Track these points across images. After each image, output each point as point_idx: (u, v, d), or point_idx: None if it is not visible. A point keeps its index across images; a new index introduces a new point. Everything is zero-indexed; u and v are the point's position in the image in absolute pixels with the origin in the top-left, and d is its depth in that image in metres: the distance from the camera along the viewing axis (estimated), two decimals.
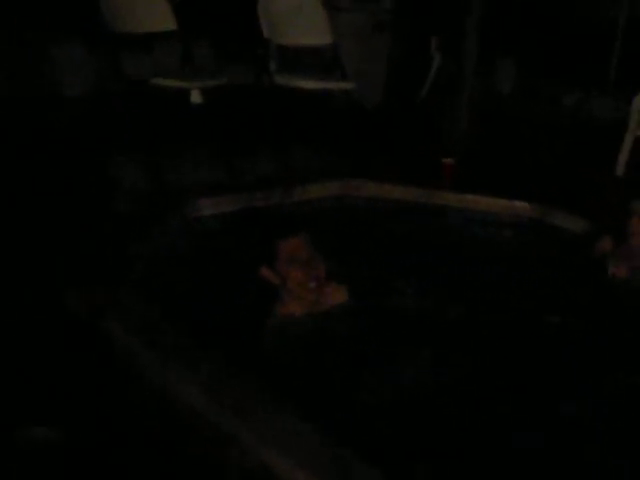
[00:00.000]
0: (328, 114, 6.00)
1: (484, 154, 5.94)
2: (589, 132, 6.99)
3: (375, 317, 3.35)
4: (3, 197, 4.08)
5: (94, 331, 2.93)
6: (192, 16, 5.89)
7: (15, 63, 6.14)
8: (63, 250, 3.58)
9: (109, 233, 3.86)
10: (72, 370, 2.76)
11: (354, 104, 5.99)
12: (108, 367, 2.76)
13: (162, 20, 5.50)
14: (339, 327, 3.24)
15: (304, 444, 2.24)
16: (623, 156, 5.82)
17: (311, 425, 2.31)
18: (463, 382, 2.94)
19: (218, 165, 4.95)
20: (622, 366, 3.19)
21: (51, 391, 2.63)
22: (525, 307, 3.65)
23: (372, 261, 4.02)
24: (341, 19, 6.87)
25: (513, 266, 4.30)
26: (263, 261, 3.27)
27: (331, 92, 5.99)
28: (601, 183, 5.49)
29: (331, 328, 3.23)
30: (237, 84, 5.70)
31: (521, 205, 4.97)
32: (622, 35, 8.07)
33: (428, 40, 8.44)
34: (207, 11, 6.49)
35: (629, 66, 7.74)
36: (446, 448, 2.55)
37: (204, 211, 4.48)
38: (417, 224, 4.86)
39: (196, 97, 5.46)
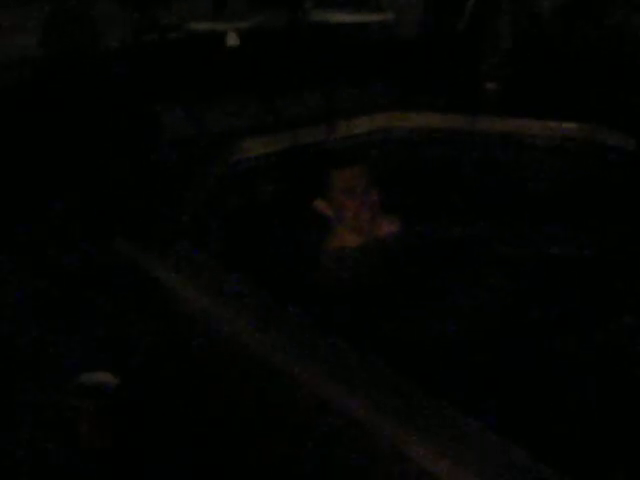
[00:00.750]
0: (367, 47, 5.90)
1: (527, 77, 5.81)
2: (635, 49, 6.80)
3: (428, 247, 3.32)
4: (52, 148, 4.11)
5: (151, 280, 2.92)
6: None
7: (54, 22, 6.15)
8: (111, 200, 3.59)
9: (156, 182, 3.86)
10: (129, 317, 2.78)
11: (392, 35, 5.89)
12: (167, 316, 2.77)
13: None
14: (395, 258, 3.21)
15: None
16: None
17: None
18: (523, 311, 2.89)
19: (260, 107, 4.89)
20: None
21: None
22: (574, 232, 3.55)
23: (420, 192, 3.96)
24: None
25: (565, 189, 4.24)
26: (316, 194, 3.22)
27: (368, 24, 5.90)
28: None
29: (387, 259, 3.20)
30: (273, 24, 5.65)
31: (571, 126, 4.85)
32: None
33: None
34: None
35: None
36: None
37: (250, 152, 4.43)
38: (464, 152, 4.79)
39: (232, 39, 5.41)
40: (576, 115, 4.92)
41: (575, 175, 4.55)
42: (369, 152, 4.63)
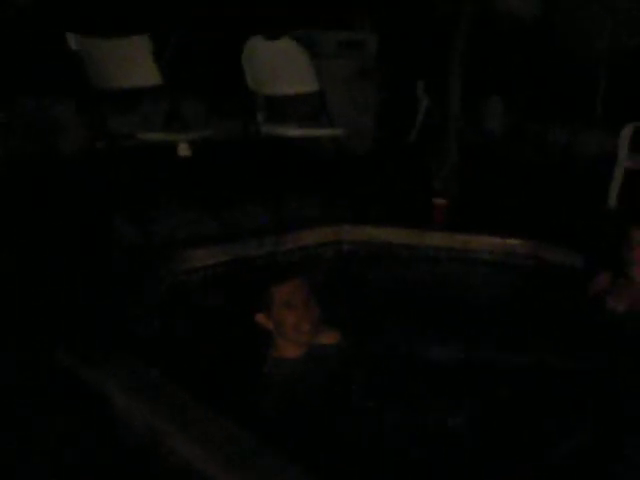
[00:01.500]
0: (317, 161, 6.01)
1: (475, 193, 5.95)
2: (578, 167, 7.02)
3: (368, 360, 3.32)
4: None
5: (86, 389, 2.89)
6: (179, 70, 5.95)
7: (12, 126, 6.20)
8: (57, 307, 3.56)
9: (103, 290, 3.84)
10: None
11: (343, 150, 6.00)
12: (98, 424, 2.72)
13: (148, 75, 5.55)
14: (333, 370, 3.21)
15: None
16: (614, 188, 5.84)
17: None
18: (462, 424, 2.90)
19: (208, 217, 4.93)
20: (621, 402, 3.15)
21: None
22: (520, 346, 3.60)
23: (365, 305, 4.00)
24: (326, 66, 6.92)
25: (508, 304, 4.29)
26: (258, 308, 3.25)
27: (319, 139, 6.02)
28: (594, 217, 5.49)
29: (325, 371, 3.20)
30: (224, 136, 5.73)
31: (515, 242, 4.95)
32: (606, 69, 8.13)
33: (414, 83, 8.51)
34: (194, 65, 6.56)
35: (615, 99, 7.79)
36: None
37: (195, 263, 4.45)
38: (410, 266, 4.86)
39: (184, 150, 5.47)
40: (522, 231, 5.02)
41: (518, 290, 4.61)
42: (316, 264, 4.67)
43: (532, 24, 8.89)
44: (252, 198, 5.25)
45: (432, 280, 4.77)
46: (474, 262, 4.92)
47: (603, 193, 5.86)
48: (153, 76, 5.50)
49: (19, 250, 4.24)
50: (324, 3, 7.88)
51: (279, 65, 5.83)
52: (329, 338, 3.30)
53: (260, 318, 3.24)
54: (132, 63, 5.45)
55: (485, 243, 4.99)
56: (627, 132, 5.91)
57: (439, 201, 5.22)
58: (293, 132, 5.58)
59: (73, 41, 5.16)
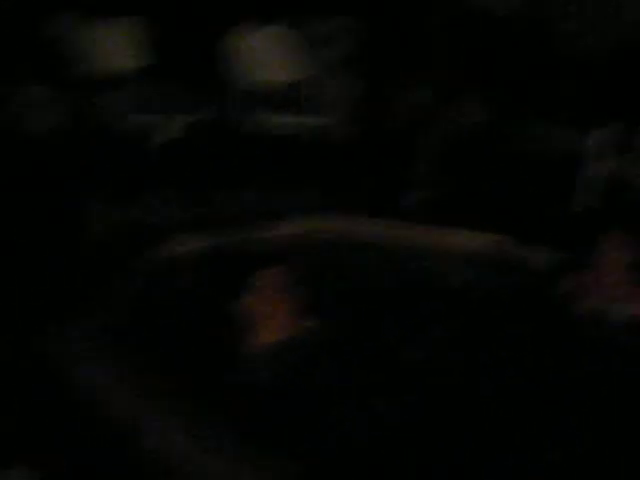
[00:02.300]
0: (300, 150, 6.05)
1: (452, 188, 6.01)
2: (554, 166, 7.09)
3: (343, 347, 3.41)
4: None
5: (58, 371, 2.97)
6: (165, 55, 5.96)
7: None
8: (31, 291, 3.60)
9: (78, 272, 3.88)
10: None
11: (325, 138, 6.05)
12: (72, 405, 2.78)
13: (131, 59, 5.56)
14: (311, 356, 3.30)
15: None
16: (588, 189, 5.91)
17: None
18: (428, 416, 2.99)
19: (190, 202, 4.97)
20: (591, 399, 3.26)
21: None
22: (492, 343, 3.70)
23: (340, 295, 4.07)
24: (310, 55, 6.95)
25: (480, 298, 4.37)
26: (238, 294, 3.32)
27: (300, 128, 6.06)
28: (567, 217, 5.58)
29: (304, 357, 3.29)
30: (206, 122, 5.76)
31: (487, 238, 5.03)
32: (577, 71, 8.19)
33: (397, 74, 8.53)
34: (180, 50, 6.55)
35: (590, 100, 7.87)
36: None
37: (178, 249, 4.51)
38: (384, 260, 4.93)
39: (169, 134, 5.50)
40: (495, 229, 5.11)
41: (485, 285, 4.70)
42: (294, 254, 4.72)
43: (510, 18, 8.93)
44: (232, 185, 5.29)
45: (406, 273, 4.84)
46: (446, 257, 5.00)
47: (577, 193, 5.94)
48: (137, 60, 5.51)
49: None
50: None
51: (265, 52, 5.87)
52: (307, 324, 3.38)
53: (241, 302, 3.32)
54: (117, 47, 5.47)
55: (457, 239, 5.07)
56: (600, 131, 5.97)
57: (417, 195, 5.29)
58: (274, 120, 5.62)
59: (59, 24, 5.16)
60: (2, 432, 2.66)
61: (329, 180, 5.67)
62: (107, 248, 4.27)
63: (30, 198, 4.66)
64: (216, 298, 3.60)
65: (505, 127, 7.97)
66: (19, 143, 5.79)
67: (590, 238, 4.16)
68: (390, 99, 8.20)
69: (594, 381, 3.40)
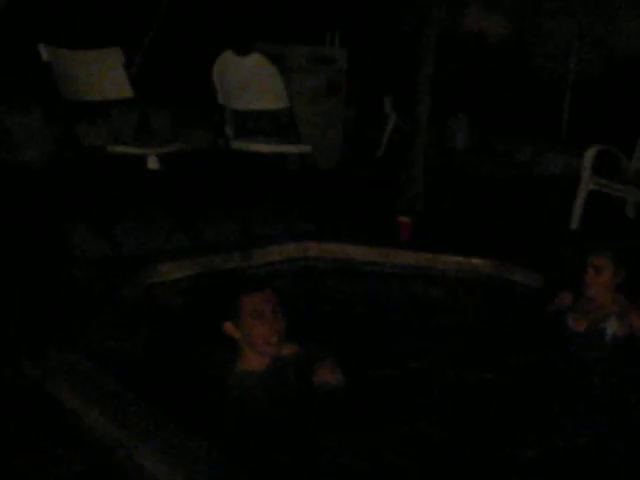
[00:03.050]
0: (284, 177, 6.06)
1: (440, 211, 6.02)
2: (542, 187, 7.12)
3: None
4: None
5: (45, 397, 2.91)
6: (149, 83, 5.97)
7: None
8: (17, 319, 3.57)
9: (65, 301, 3.85)
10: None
11: (310, 165, 6.07)
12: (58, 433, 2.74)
13: (119, 88, 5.57)
14: (296, 381, 3.25)
15: None
16: (577, 210, 5.93)
17: None
18: (428, 449, 2.95)
19: (177, 230, 4.96)
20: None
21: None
22: (483, 365, 3.67)
23: (328, 322, 4.04)
24: (295, 81, 6.98)
25: (471, 323, 4.35)
26: (225, 317, 3.28)
27: (287, 155, 6.08)
28: (556, 238, 5.58)
29: (289, 383, 3.24)
30: (194, 149, 5.76)
31: (478, 262, 5.03)
32: (571, 91, 8.26)
33: (382, 100, 8.59)
34: (163, 79, 6.57)
35: (579, 121, 7.92)
36: None
37: (163, 277, 4.48)
38: (375, 284, 4.92)
39: (153, 163, 5.49)
40: (484, 250, 5.10)
41: (481, 308, 4.69)
42: (282, 279, 4.71)
43: (499, 43, 9.02)
44: (221, 212, 5.28)
45: (396, 298, 4.83)
46: (438, 280, 4.99)
47: (566, 214, 5.95)
48: (124, 89, 5.52)
49: None
50: (294, 18, 7.95)
51: (249, 80, 5.89)
52: (289, 349, 3.33)
53: (228, 327, 3.26)
54: (103, 75, 5.47)
55: (448, 262, 5.06)
56: (590, 154, 6.00)
57: (404, 219, 5.29)
58: (262, 147, 5.64)
59: (44, 52, 5.17)
60: None
61: (317, 206, 5.65)
62: (91, 276, 4.22)
63: (20, 226, 4.63)
64: (201, 324, 3.56)
65: (494, 149, 8.03)
66: (16, 171, 5.80)
67: (582, 257, 4.15)
68: (377, 123, 8.27)
69: (595, 396, 3.41)
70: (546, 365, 3.75)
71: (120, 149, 5.21)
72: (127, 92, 5.58)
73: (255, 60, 6.03)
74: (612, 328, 3.94)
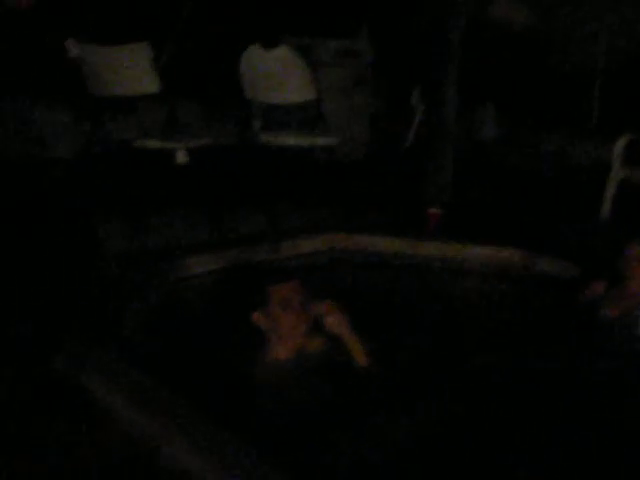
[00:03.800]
0: (313, 169, 6.05)
1: (468, 202, 5.99)
2: (572, 178, 7.06)
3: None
4: None
5: (81, 393, 2.93)
6: (176, 77, 5.98)
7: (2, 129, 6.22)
8: (50, 315, 3.59)
9: (96, 296, 3.87)
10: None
11: (338, 158, 6.06)
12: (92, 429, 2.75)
13: (147, 84, 5.59)
14: (326, 373, 3.25)
15: None
16: (607, 200, 5.88)
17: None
18: (457, 432, 2.94)
19: (205, 224, 4.97)
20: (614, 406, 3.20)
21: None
22: (515, 355, 3.65)
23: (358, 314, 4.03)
24: (322, 74, 6.96)
25: (503, 314, 4.33)
26: (254, 308, 3.29)
27: (315, 147, 6.07)
28: (587, 228, 5.53)
29: (318, 374, 3.24)
30: (222, 143, 5.77)
31: (509, 252, 4.99)
32: (601, 79, 8.18)
33: (409, 91, 8.56)
34: (191, 72, 6.59)
35: (610, 110, 7.84)
36: None
37: (192, 270, 4.49)
38: (405, 276, 4.90)
39: (181, 157, 5.51)
40: (514, 241, 5.07)
41: (511, 300, 4.65)
42: (310, 272, 4.71)
43: (526, 32, 8.95)
44: (249, 205, 5.29)
45: (424, 289, 4.82)
46: (467, 272, 4.96)
47: (597, 204, 5.90)
48: (152, 84, 5.53)
49: (5, 257, 4.27)
50: (322, 12, 7.93)
51: (276, 74, 5.86)
52: (317, 344, 3.33)
53: (256, 317, 3.29)
54: (131, 71, 5.48)
55: (478, 253, 5.03)
56: (621, 143, 5.94)
57: (433, 210, 5.27)
58: (289, 141, 5.63)
59: (73, 47, 5.19)
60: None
61: (344, 198, 5.64)
62: (121, 271, 4.25)
63: (50, 221, 4.66)
64: (230, 316, 3.57)
65: (521, 140, 7.97)
66: (43, 167, 5.84)
67: (615, 247, 4.12)
68: (405, 115, 8.23)
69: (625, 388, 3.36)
70: (578, 357, 3.72)
71: (148, 144, 5.23)
72: (155, 87, 5.58)
73: (282, 53, 6.00)
74: None
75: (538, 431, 2.97)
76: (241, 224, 5.08)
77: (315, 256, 5.00)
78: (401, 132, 8.43)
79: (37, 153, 6.33)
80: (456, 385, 3.33)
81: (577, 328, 4.06)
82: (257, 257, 4.72)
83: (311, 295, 3.29)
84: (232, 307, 3.77)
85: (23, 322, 3.52)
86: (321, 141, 5.86)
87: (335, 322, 3.23)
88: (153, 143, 5.29)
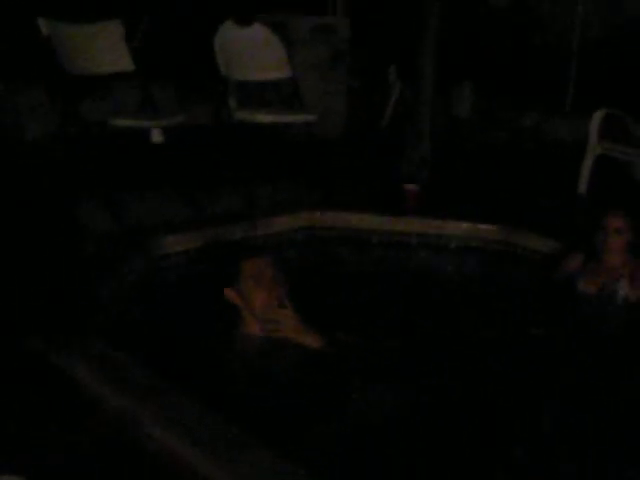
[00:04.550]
0: (289, 146, 6.02)
1: (446, 178, 5.98)
2: (548, 153, 7.07)
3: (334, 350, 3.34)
4: None
5: (57, 373, 2.91)
6: (150, 56, 5.92)
7: None
8: (27, 294, 3.56)
9: (74, 275, 3.84)
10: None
11: (315, 135, 6.02)
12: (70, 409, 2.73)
13: (119, 61, 5.53)
14: (297, 350, 3.23)
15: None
16: (584, 175, 5.89)
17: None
18: (433, 404, 2.93)
19: (182, 203, 4.94)
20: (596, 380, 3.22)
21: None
22: (495, 329, 3.65)
23: (335, 292, 4.02)
24: (299, 51, 6.92)
25: (482, 289, 4.34)
26: (227, 284, 3.27)
27: (292, 125, 6.03)
28: (564, 203, 5.55)
29: (289, 351, 3.22)
30: (198, 122, 5.73)
31: (486, 227, 4.99)
32: (577, 56, 8.17)
33: (386, 68, 8.52)
34: (165, 51, 6.52)
35: (585, 87, 7.84)
36: None
37: (169, 249, 4.46)
38: (383, 252, 4.90)
39: (157, 136, 5.47)
40: (491, 217, 5.07)
41: (490, 275, 4.67)
42: (288, 249, 4.71)
43: (504, 8, 8.93)
44: (225, 183, 5.26)
45: (403, 266, 4.82)
46: (445, 248, 4.96)
47: (573, 179, 5.91)
48: (125, 62, 5.49)
49: None
50: None
51: (251, 51, 5.83)
52: (312, 340, 3.28)
53: (228, 293, 3.27)
54: (104, 49, 5.43)
55: (456, 228, 5.03)
56: (597, 117, 5.95)
57: (410, 187, 5.25)
58: (266, 118, 5.60)
59: (44, 26, 5.13)
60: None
61: (322, 175, 5.62)
62: (99, 250, 4.21)
63: (27, 203, 4.62)
64: (205, 294, 3.55)
65: (499, 115, 7.97)
66: (18, 149, 5.78)
67: (592, 221, 4.13)
68: (382, 92, 8.20)
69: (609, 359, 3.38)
70: (556, 332, 3.72)
71: (123, 122, 5.18)
72: (128, 65, 5.54)
73: (257, 30, 5.97)
74: (624, 290, 3.92)
75: (524, 408, 2.98)
76: (218, 203, 5.05)
77: (293, 233, 4.98)
78: (379, 109, 8.39)
79: (11, 136, 6.25)
80: (436, 362, 3.31)
81: (556, 304, 4.07)
82: (234, 235, 4.69)
83: (283, 271, 3.27)
84: (208, 285, 3.74)
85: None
86: (297, 118, 5.83)
87: (290, 330, 3.22)
88: (128, 122, 5.23)
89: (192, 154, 5.54)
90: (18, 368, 2.99)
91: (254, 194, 5.20)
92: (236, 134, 5.60)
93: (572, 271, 4.15)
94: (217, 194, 5.09)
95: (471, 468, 2.59)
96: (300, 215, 5.08)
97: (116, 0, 6.34)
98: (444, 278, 4.72)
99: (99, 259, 4.15)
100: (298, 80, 6.02)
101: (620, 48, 7.59)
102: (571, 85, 8.21)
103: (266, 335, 3.23)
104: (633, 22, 7.72)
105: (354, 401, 2.94)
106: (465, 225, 5.04)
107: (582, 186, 5.89)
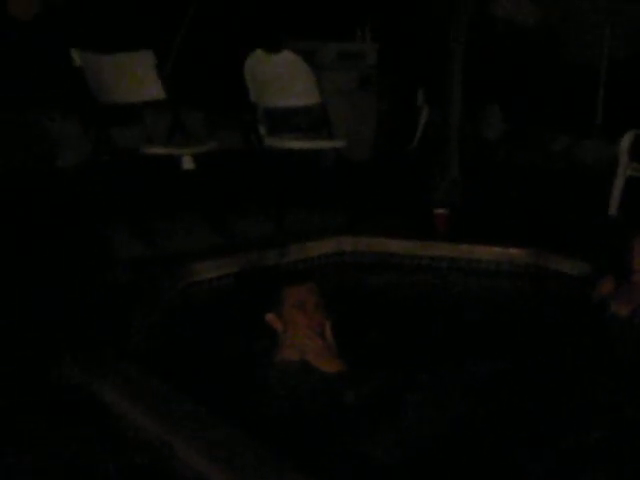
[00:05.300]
0: (319, 172, 6.05)
1: (476, 202, 5.98)
2: (579, 175, 7.05)
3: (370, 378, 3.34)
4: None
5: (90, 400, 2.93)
6: (181, 84, 5.99)
7: (10, 140, 6.25)
8: (61, 322, 3.59)
9: (107, 303, 3.88)
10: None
11: (343, 160, 6.05)
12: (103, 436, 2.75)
13: (151, 90, 5.59)
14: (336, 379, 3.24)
15: None
16: (615, 197, 5.86)
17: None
18: (467, 435, 2.92)
19: (213, 230, 4.98)
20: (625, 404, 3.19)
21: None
22: (526, 354, 3.63)
23: (369, 318, 4.02)
24: (326, 77, 6.97)
25: (513, 313, 4.31)
26: (267, 309, 3.30)
27: (320, 150, 6.06)
28: (595, 225, 5.52)
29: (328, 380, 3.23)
30: (228, 148, 5.77)
31: (517, 251, 4.98)
32: (605, 78, 8.16)
33: (414, 93, 8.56)
34: (196, 78, 6.60)
35: (614, 109, 7.82)
36: None
37: (199, 275, 4.49)
38: (414, 277, 4.89)
39: (188, 163, 5.52)
40: (522, 240, 5.05)
41: (521, 299, 4.64)
42: (319, 274, 4.71)
43: (530, 31, 8.94)
44: (256, 210, 5.29)
45: (435, 290, 4.80)
46: (477, 272, 4.95)
47: (604, 201, 5.89)
48: (156, 90, 5.54)
49: (15, 264, 4.29)
50: (324, 14, 7.94)
51: (280, 78, 5.87)
52: (332, 366, 3.28)
53: (270, 318, 3.29)
54: (136, 78, 5.49)
55: (487, 253, 5.02)
56: (627, 139, 5.93)
57: (440, 211, 5.25)
58: (295, 145, 5.62)
59: (77, 57, 5.20)
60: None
61: (352, 200, 5.64)
62: (131, 277, 4.25)
63: (61, 230, 4.68)
64: (239, 320, 3.58)
65: (528, 138, 7.96)
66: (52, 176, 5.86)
67: (622, 243, 4.11)
68: (410, 116, 8.23)
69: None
70: (586, 354, 3.70)
71: (154, 150, 5.23)
72: (160, 94, 5.60)
73: (286, 57, 6.01)
74: None
75: (551, 427, 2.97)
76: (249, 229, 5.08)
77: (324, 259, 4.99)
78: (407, 133, 8.42)
79: (47, 164, 6.35)
80: (469, 383, 3.31)
81: (589, 327, 4.05)
82: (266, 261, 4.71)
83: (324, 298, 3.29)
84: (242, 311, 3.77)
85: (33, 328, 3.52)
86: (326, 144, 5.86)
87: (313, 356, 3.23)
88: (159, 150, 5.28)
89: (223, 181, 5.58)
90: (50, 395, 3.02)
91: (285, 221, 5.23)
92: (266, 160, 5.63)
93: (605, 294, 4.13)
94: (248, 221, 5.12)
95: None
96: (331, 240, 5.09)
97: (147, 30, 6.43)
98: (475, 302, 4.69)
99: (131, 286, 4.19)
100: (327, 105, 6.04)
101: None
102: (600, 106, 8.20)
103: (302, 360, 3.24)
104: None
105: (387, 425, 2.94)
106: (496, 249, 5.02)
107: (613, 208, 5.87)
